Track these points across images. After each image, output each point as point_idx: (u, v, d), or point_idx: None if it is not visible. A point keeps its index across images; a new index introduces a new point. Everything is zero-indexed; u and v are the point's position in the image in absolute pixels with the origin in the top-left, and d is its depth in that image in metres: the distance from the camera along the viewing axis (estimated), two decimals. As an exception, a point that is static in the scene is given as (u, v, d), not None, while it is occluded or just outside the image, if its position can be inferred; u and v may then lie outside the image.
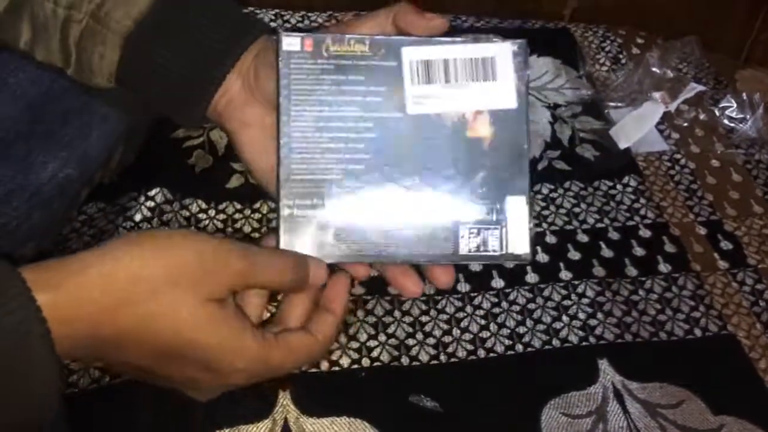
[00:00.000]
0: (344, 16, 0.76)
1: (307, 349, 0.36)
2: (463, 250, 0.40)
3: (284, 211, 0.38)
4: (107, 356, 0.32)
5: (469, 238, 0.40)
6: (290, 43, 0.38)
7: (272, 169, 0.40)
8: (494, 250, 0.40)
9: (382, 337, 0.50)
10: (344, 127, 0.39)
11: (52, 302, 0.28)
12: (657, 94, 0.68)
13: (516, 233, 0.40)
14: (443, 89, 0.39)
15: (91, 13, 0.38)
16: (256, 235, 0.56)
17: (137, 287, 0.31)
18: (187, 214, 0.56)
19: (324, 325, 0.37)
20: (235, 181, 0.59)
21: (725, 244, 0.60)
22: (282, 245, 0.38)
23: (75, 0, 0.38)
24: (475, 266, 0.56)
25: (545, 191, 0.63)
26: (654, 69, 0.69)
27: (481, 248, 0.40)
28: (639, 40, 0.80)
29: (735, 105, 0.70)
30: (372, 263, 0.40)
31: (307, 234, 0.39)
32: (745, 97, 0.70)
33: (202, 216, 0.57)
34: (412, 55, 0.39)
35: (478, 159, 0.40)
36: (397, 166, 0.39)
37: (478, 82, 0.39)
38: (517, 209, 0.40)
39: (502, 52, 0.39)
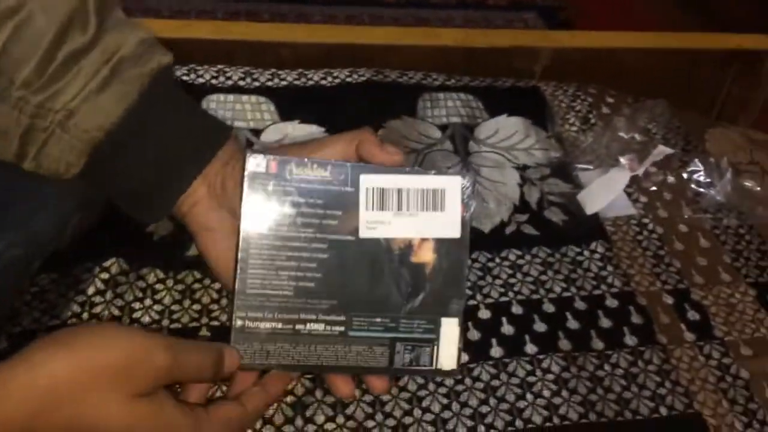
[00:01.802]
0: (314, 74, 0.76)
1: (238, 418, 0.40)
2: (398, 363, 0.45)
3: (236, 323, 0.41)
4: None
5: (404, 353, 0.44)
6: (257, 164, 0.41)
7: (231, 269, 0.42)
8: (425, 365, 0.44)
9: (341, 419, 0.49)
10: (299, 246, 0.42)
11: None
12: (624, 159, 0.68)
13: (446, 351, 0.44)
14: (394, 216, 0.42)
15: (58, 122, 0.39)
16: (215, 306, 0.55)
17: (58, 392, 0.31)
18: (143, 284, 0.55)
19: (254, 397, 0.41)
20: (195, 249, 0.58)
21: (692, 315, 0.59)
22: None
23: (40, 110, 0.38)
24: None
25: (512, 258, 0.62)
26: (621, 133, 0.69)
27: (414, 363, 0.44)
28: (609, 99, 0.81)
29: (703, 169, 0.70)
30: (314, 372, 0.45)
31: (255, 343, 0.42)
32: (712, 162, 0.70)
33: (159, 287, 0.55)
34: (369, 182, 0.42)
35: (419, 282, 0.43)
36: (345, 286, 0.42)
37: (427, 212, 0.43)
38: (450, 330, 0.44)
39: (452, 184, 0.43)
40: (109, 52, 0.39)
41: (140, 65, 0.40)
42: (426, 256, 0.43)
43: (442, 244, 0.43)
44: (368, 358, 0.43)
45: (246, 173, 0.41)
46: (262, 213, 0.41)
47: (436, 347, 0.44)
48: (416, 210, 0.43)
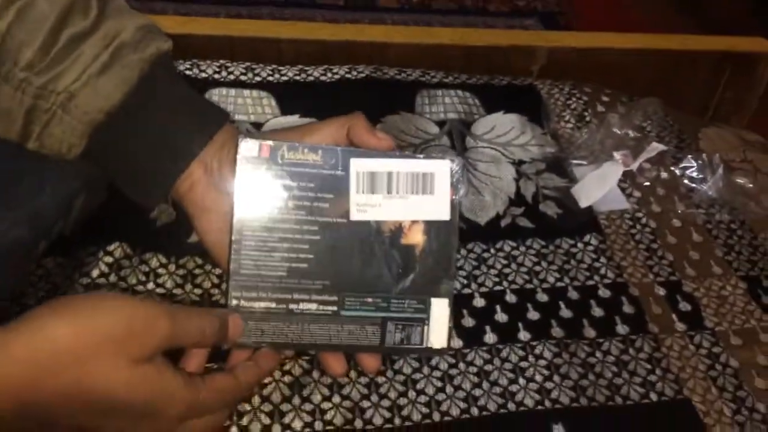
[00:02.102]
0: (314, 70, 0.78)
1: (231, 389, 0.41)
2: (389, 342, 0.45)
3: (232, 302, 0.43)
4: (35, 422, 0.33)
5: (395, 332, 0.45)
6: (249, 148, 0.43)
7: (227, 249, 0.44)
8: (416, 344, 0.45)
9: (337, 399, 0.50)
10: (291, 228, 0.43)
11: None
12: (618, 154, 0.69)
13: (436, 330, 0.45)
14: (384, 199, 0.44)
15: (60, 103, 0.40)
16: (216, 291, 0.56)
17: (60, 358, 0.32)
18: (146, 269, 0.56)
19: (248, 371, 0.42)
20: (196, 236, 0.59)
21: (684, 306, 0.60)
22: None
23: (43, 92, 0.39)
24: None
25: (507, 249, 0.63)
26: (615, 129, 0.70)
27: (405, 342, 0.45)
28: (604, 98, 0.82)
29: (695, 165, 0.71)
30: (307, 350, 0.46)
31: (250, 322, 0.43)
32: (705, 158, 0.72)
33: (161, 271, 0.56)
34: (359, 166, 0.43)
35: (409, 263, 0.45)
36: (337, 267, 0.44)
37: (417, 195, 0.44)
38: (440, 310, 0.45)
39: (441, 168, 0.44)
40: (110, 37, 0.41)
41: (140, 50, 0.41)
42: (416, 237, 0.45)
43: (431, 226, 0.44)
44: (360, 337, 0.44)
45: (239, 157, 0.42)
46: (255, 195, 0.43)
47: (426, 326, 0.45)
48: (406, 193, 0.44)
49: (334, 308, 0.44)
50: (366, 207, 0.44)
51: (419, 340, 0.45)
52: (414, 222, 0.44)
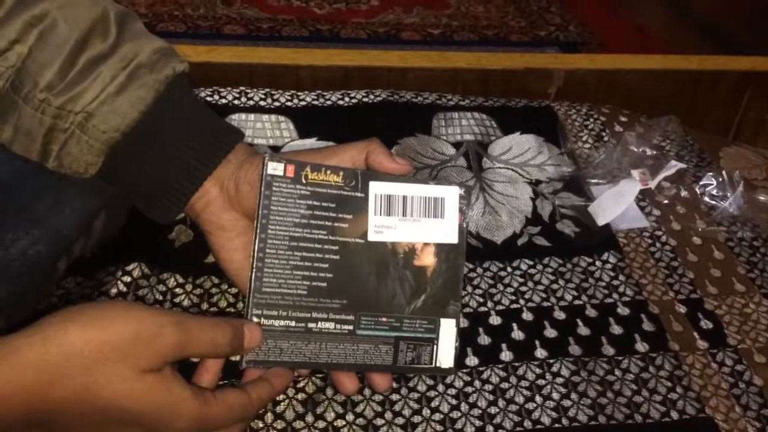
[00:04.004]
0: (332, 94, 0.79)
1: (242, 406, 0.40)
2: (401, 362, 0.46)
3: (252, 320, 0.42)
4: (43, 428, 0.33)
5: (407, 352, 0.46)
6: (274, 168, 0.43)
7: (244, 268, 0.44)
8: (425, 363, 0.46)
9: (350, 417, 0.50)
10: (313, 248, 0.44)
11: None
12: (635, 172, 0.69)
13: (444, 351, 0.46)
14: (400, 222, 0.45)
15: (78, 123, 0.41)
16: (232, 309, 0.56)
17: (70, 363, 0.33)
18: (164, 288, 0.57)
19: (260, 389, 0.41)
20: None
21: (705, 323, 0.59)
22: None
23: (61, 112, 0.41)
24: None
25: (524, 267, 0.63)
26: (632, 147, 0.70)
27: (415, 361, 0.46)
28: (622, 119, 0.82)
29: (715, 183, 0.70)
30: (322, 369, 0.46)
31: (270, 340, 0.43)
32: (725, 175, 0.71)
33: (178, 291, 0.57)
34: (377, 189, 0.45)
35: (421, 284, 0.46)
36: (354, 286, 0.44)
37: (429, 218, 0.45)
38: (448, 330, 0.46)
39: (451, 194, 0.46)
40: (127, 59, 0.42)
41: (156, 71, 0.43)
42: (427, 259, 0.46)
43: (441, 249, 0.46)
44: (374, 356, 0.45)
45: (264, 176, 0.43)
46: (278, 214, 0.43)
47: (435, 346, 0.46)
48: (419, 216, 0.45)
49: (351, 327, 0.44)
50: (383, 228, 0.45)
51: (429, 360, 0.46)
52: (426, 244, 0.46)
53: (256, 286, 0.42)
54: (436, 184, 0.46)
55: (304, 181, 0.43)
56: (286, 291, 0.43)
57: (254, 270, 0.42)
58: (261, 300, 0.43)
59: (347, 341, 0.44)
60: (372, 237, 0.44)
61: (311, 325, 0.43)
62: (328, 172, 0.44)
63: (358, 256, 0.44)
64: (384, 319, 0.45)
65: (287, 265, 0.43)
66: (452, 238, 0.46)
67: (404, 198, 0.45)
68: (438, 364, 0.46)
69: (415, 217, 0.45)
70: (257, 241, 0.42)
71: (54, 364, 0.32)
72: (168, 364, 0.36)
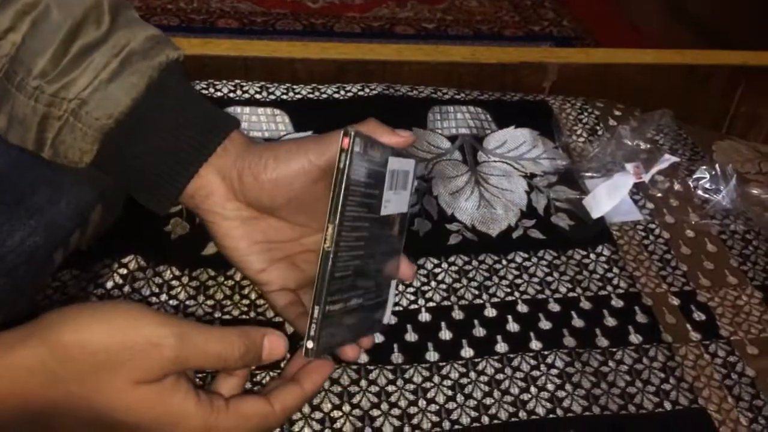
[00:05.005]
0: (327, 88, 0.79)
1: (262, 417, 0.37)
2: (384, 320, 0.50)
3: (326, 308, 0.39)
4: (43, 427, 0.33)
5: (381, 312, 0.50)
6: (357, 143, 0.39)
7: (249, 255, 0.45)
8: (380, 319, 0.50)
9: (347, 408, 0.50)
10: (361, 226, 0.43)
11: None
12: (629, 166, 0.69)
13: (389, 308, 0.51)
14: (393, 195, 0.46)
15: (71, 110, 0.41)
16: (228, 302, 0.57)
17: (64, 368, 0.31)
18: (160, 281, 0.57)
19: (287, 395, 0.38)
20: (210, 248, 0.60)
21: (698, 315, 0.60)
22: (316, 340, 0.39)
23: (55, 99, 0.40)
24: (446, 336, 0.56)
25: (519, 260, 0.63)
26: (626, 141, 0.71)
27: (381, 319, 0.50)
28: (616, 112, 0.82)
29: (708, 177, 0.71)
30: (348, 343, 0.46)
31: (332, 327, 0.41)
32: (718, 169, 0.71)
33: (174, 283, 0.57)
34: (391, 164, 0.45)
35: (393, 251, 0.49)
36: (374, 261, 0.46)
37: (404, 190, 0.48)
38: (392, 290, 0.51)
39: (413, 166, 0.49)
40: (120, 46, 0.42)
41: (149, 58, 0.42)
42: (397, 226, 0.49)
43: (402, 218, 0.49)
44: (376, 321, 0.49)
45: (351, 154, 0.39)
46: (352, 194, 0.40)
47: (388, 305, 0.51)
48: (400, 189, 0.47)
49: (373, 298, 0.47)
50: (387, 202, 0.46)
51: (380, 318, 0.50)
52: (401, 213, 0.49)
53: (329, 274, 0.39)
54: (404, 157, 0.47)
55: (366, 156, 0.41)
56: (345, 273, 0.41)
57: (328, 257, 0.39)
58: (333, 286, 0.40)
59: (370, 311, 0.47)
60: (383, 211, 0.46)
61: (351, 302, 0.44)
62: (377, 146, 0.43)
63: (376, 231, 0.45)
64: (385, 287, 0.49)
65: (347, 246, 0.41)
66: (406, 207, 0.49)
67: (395, 172, 0.46)
68: (387, 321, 0.51)
69: (397, 189, 0.47)
70: (332, 227, 0.39)
71: (48, 367, 0.31)
72: (172, 374, 0.34)
